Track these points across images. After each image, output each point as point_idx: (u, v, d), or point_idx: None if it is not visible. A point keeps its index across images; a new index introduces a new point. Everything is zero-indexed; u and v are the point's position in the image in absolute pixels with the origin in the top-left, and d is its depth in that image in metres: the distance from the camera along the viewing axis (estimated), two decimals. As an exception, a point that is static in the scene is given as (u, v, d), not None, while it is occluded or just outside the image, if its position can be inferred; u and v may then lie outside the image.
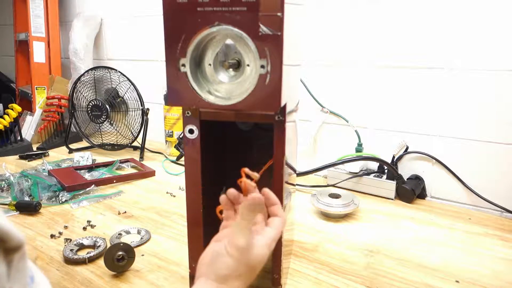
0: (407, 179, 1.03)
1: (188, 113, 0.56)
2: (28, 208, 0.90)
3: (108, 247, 0.69)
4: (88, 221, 0.86)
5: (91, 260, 0.70)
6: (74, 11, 1.76)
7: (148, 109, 1.37)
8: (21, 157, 1.33)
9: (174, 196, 1.03)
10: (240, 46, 0.47)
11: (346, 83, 1.11)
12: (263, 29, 0.45)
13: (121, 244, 0.66)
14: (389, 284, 0.65)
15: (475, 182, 0.97)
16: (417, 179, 1.03)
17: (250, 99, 0.47)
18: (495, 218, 0.92)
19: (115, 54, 1.67)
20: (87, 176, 1.13)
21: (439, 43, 0.96)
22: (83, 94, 1.41)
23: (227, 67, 0.49)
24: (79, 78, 1.39)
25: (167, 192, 1.05)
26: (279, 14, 0.44)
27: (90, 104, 1.38)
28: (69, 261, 0.70)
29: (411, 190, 0.98)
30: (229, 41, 0.48)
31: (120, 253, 0.66)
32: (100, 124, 1.39)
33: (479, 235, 0.83)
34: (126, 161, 1.28)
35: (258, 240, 0.43)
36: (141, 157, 1.35)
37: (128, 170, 1.24)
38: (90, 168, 1.21)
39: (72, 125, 1.47)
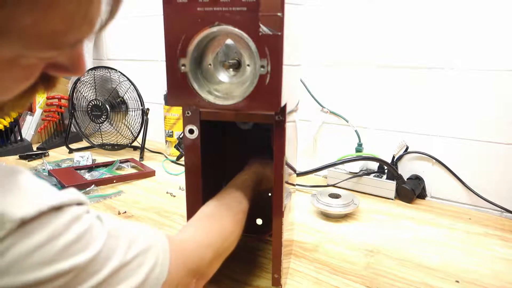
0: (407, 179, 1.03)
1: (188, 113, 0.56)
2: (28, 208, 0.90)
3: (108, 247, 0.69)
4: (88, 221, 0.86)
5: (91, 260, 0.70)
6: (74, 11, 1.75)
7: (148, 109, 1.37)
8: (21, 157, 1.33)
9: (174, 196, 1.03)
10: (240, 46, 0.47)
11: (346, 83, 1.11)
12: (263, 29, 0.45)
13: (121, 244, 0.66)
14: (389, 284, 0.65)
15: (475, 182, 0.98)
16: (417, 179, 1.03)
17: (250, 99, 0.47)
18: (495, 218, 0.92)
19: (115, 54, 1.67)
20: (87, 176, 1.13)
21: (439, 43, 0.96)
22: (83, 94, 1.41)
23: (227, 67, 0.49)
24: (79, 78, 1.39)
25: (167, 192, 1.05)
26: (279, 14, 0.44)
27: (90, 104, 1.38)
28: (69, 261, 0.70)
29: (411, 190, 0.98)
30: (229, 41, 0.48)
31: (120, 253, 0.66)
32: (100, 124, 1.40)
33: (479, 235, 0.83)
34: (126, 161, 1.28)
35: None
36: (141, 157, 1.35)
37: (128, 170, 1.24)
38: (90, 168, 1.20)
39: (72, 125, 1.47)
